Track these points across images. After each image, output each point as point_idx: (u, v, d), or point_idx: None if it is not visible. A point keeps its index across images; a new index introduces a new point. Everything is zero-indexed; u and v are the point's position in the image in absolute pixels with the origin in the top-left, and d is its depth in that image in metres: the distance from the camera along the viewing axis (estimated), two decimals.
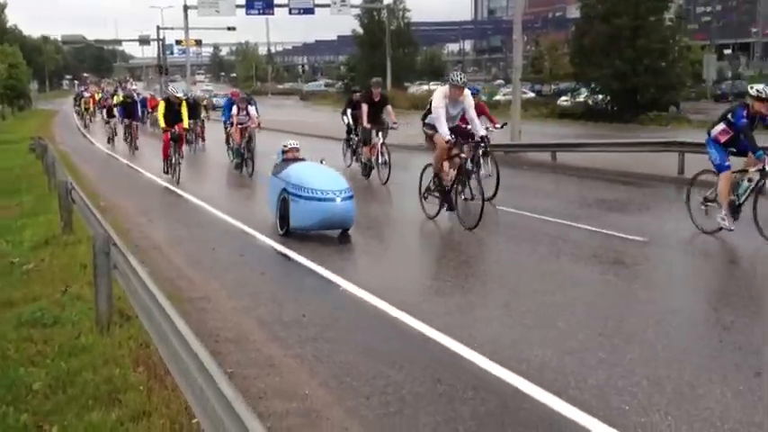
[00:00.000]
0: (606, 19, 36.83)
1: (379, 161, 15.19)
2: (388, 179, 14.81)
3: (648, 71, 36.28)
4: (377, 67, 63.27)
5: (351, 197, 9.39)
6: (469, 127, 10.61)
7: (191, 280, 7.92)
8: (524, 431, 4.36)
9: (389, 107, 15.63)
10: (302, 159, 10.64)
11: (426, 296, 7.19)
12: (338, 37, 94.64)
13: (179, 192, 14.56)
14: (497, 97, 48.84)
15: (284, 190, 9.52)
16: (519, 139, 21.38)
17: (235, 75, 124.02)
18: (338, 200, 9.21)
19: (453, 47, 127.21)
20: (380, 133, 15.29)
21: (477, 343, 5.67)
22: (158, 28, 78.47)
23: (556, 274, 7.87)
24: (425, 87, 67.48)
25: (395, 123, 15.58)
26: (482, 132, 10.48)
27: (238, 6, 60.20)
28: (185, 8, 60.48)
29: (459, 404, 4.68)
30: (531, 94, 54.06)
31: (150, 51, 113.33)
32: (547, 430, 4.38)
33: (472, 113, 10.40)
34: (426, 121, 10.78)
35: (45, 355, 5.57)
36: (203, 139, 25.11)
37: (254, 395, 4.88)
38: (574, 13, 58.89)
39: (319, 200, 9.17)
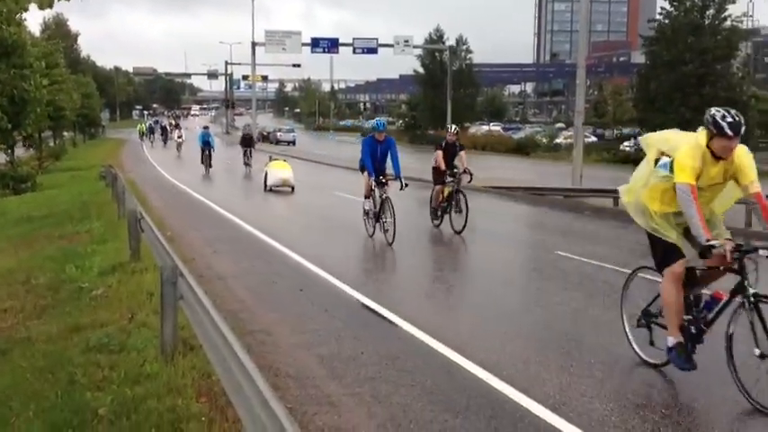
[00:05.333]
0: (672, 66, 36.53)
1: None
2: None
3: None
4: (437, 107, 63.99)
5: None
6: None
7: (252, 312, 8.05)
8: None
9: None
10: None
11: (489, 343, 7.14)
12: (400, 76, 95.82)
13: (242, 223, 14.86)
14: (558, 140, 48.67)
15: None
16: (580, 184, 21.21)
17: (299, 110, 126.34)
18: None
19: (515, 88, 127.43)
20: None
21: (542, 393, 5.61)
22: (226, 63, 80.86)
23: (614, 323, 7.75)
24: (485, 128, 67.66)
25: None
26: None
27: (304, 45, 61.65)
28: (253, 45, 62.20)
29: None
30: (594, 138, 53.64)
31: (218, 85, 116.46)
32: None
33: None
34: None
35: (111, 380, 5.70)
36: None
37: None
38: (638, 58, 58.45)
39: None
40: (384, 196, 12.70)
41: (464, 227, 13.73)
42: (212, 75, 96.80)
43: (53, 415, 5.10)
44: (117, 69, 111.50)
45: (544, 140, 51.44)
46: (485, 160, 42.50)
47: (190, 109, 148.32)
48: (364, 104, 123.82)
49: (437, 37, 66.84)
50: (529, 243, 15.02)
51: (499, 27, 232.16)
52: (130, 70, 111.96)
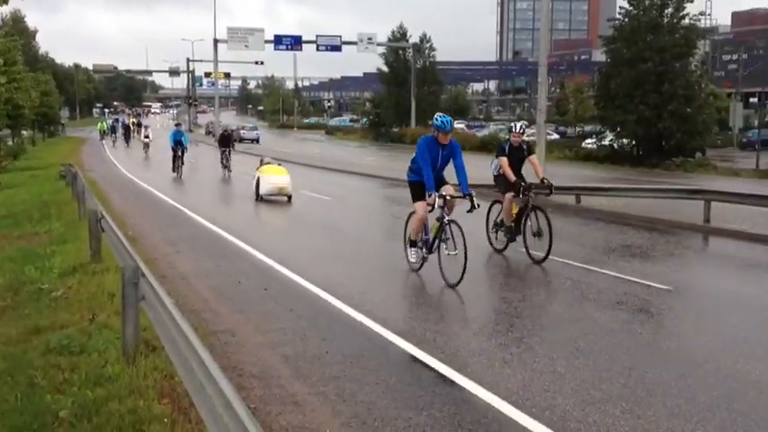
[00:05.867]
0: (632, 64, 37.02)
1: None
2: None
3: (674, 117, 36.32)
4: (402, 105, 64.14)
5: None
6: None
7: (216, 312, 8.00)
8: None
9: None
10: None
11: (454, 340, 7.18)
12: (364, 74, 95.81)
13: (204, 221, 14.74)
14: None
15: None
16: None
17: (262, 108, 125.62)
18: None
19: (478, 86, 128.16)
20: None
21: (501, 388, 5.67)
22: (188, 60, 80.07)
23: (579, 319, 7.86)
24: None
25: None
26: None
27: (267, 42, 61.31)
28: (215, 42, 61.65)
29: None
30: (556, 136, 54.22)
31: (180, 83, 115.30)
32: None
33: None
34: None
35: (72, 383, 5.63)
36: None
37: None
38: (599, 56, 59.17)
39: None
40: (447, 219, 9.47)
41: (548, 254, 10.70)
42: (174, 72, 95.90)
43: (13, 419, 5.02)
44: (77, 67, 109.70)
45: (507, 138, 51.85)
46: None
47: (150, 107, 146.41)
48: (328, 102, 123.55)
49: (400, 35, 66.98)
50: None
51: (462, 25, 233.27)
52: (90, 68, 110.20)
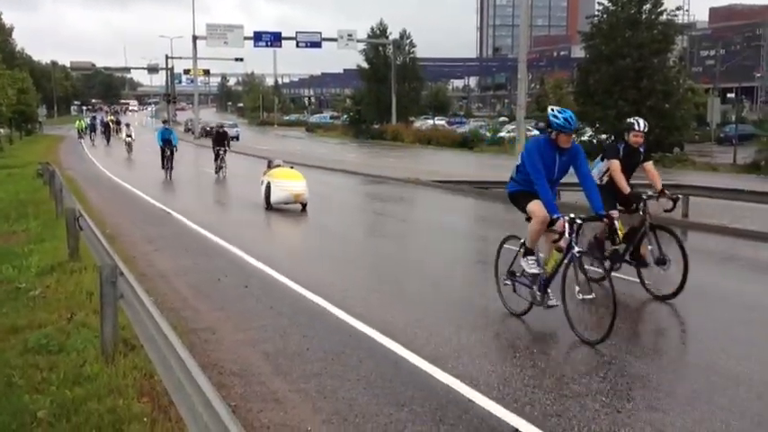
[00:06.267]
0: (610, 60, 37.25)
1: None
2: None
3: (652, 112, 36.55)
4: (382, 101, 64.10)
5: None
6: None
7: (196, 310, 7.95)
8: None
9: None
10: None
11: (436, 337, 7.19)
12: (344, 70, 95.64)
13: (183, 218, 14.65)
14: (502, 134, 49.24)
15: None
16: None
17: (242, 105, 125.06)
18: None
19: (458, 83, 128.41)
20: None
21: (482, 383, 5.69)
22: (167, 57, 79.37)
23: (561, 315, 7.91)
24: (430, 122, 68.07)
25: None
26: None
27: (247, 38, 61.09)
28: (194, 38, 61.35)
29: None
30: (536, 132, 54.31)
31: (159, 80, 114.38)
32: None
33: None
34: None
35: (50, 382, 5.58)
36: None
37: (258, 430, 4.89)
38: (578, 52, 59.44)
39: None
40: (578, 251, 6.94)
41: (680, 289, 8.27)
42: (153, 69, 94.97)
43: None
44: (54, 64, 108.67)
45: (488, 134, 51.98)
46: (431, 154, 42.81)
47: (128, 104, 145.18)
48: (309, 99, 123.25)
49: (380, 31, 66.94)
50: (473, 236, 15.15)
51: (443, 22, 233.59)
52: (68, 65, 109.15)
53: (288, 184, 16.54)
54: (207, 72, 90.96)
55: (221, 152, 25.54)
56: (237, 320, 7.56)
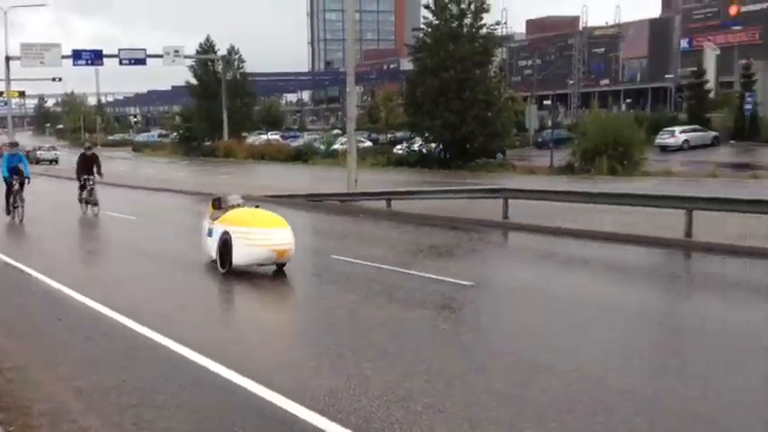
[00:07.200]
0: (435, 72, 38.68)
1: None
2: None
3: (476, 121, 38.30)
4: (214, 118, 62.81)
5: None
6: None
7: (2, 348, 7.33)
8: None
9: None
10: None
11: (254, 352, 7.04)
12: (172, 87, 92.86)
13: None
14: (335, 146, 49.70)
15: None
16: (355, 188, 21.77)
17: (61, 126, 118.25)
18: None
19: (292, 97, 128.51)
20: None
21: (307, 398, 5.62)
22: None
23: (388, 322, 8.01)
24: (264, 137, 67.58)
25: None
26: None
27: (65, 57, 57.94)
28: (7, 59, 57.39)
29: None
30: (369, 143, 55.33)
31: None
32: None
33: None
34: None
35: None
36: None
37: None
38: (407, 65, 61.25)
39: None
40: None
41: None
42: None
43: None
44: None
45: (322, 147, 52.28)
46: (265, 169, 42.40)
47: None
48: (135, 117, 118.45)
49: (208, 47, 65.65)
50: (306, 249, 15.08)
51: (275, 37, 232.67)
52: None
53: (264, 234, 10.68)
54: (22, 94, 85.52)
55: (90, 181, 19.99)
56: (49, 356, 7.04)
